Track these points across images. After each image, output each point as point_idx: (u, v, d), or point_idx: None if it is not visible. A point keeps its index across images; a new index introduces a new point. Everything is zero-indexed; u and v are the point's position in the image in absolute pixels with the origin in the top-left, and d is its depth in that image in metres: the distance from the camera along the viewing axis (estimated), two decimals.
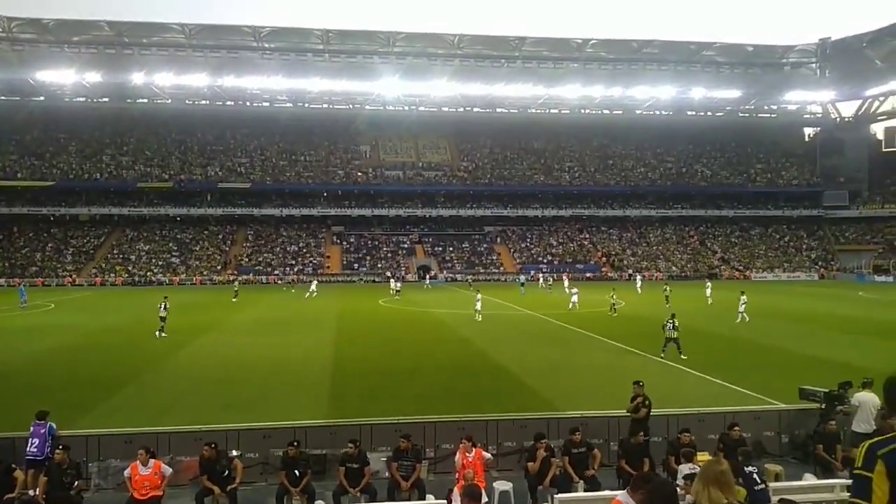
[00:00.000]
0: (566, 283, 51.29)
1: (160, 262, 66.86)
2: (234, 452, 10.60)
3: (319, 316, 33.87)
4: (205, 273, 65.41)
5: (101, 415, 14.19)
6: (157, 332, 26.01)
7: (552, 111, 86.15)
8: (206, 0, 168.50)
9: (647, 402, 11.85)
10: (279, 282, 63.67)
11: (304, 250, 71.86)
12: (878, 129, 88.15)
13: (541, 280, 58.46)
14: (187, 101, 78.26)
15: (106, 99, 77.53)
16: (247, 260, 68.98)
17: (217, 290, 56.67)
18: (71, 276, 63.02)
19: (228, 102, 79.44)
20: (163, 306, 26.79)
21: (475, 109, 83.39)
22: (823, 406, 12.04)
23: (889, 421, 10.88)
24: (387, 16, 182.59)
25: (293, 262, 69.08)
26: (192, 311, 36.42)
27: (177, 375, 18.92)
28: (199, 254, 69.12)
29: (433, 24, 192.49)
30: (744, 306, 30.81)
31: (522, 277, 57.30)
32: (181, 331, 27.15)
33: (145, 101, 78.10)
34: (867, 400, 11.30)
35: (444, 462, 11.28)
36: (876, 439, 3.04)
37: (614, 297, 35.12)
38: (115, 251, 68.45)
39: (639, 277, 58.36)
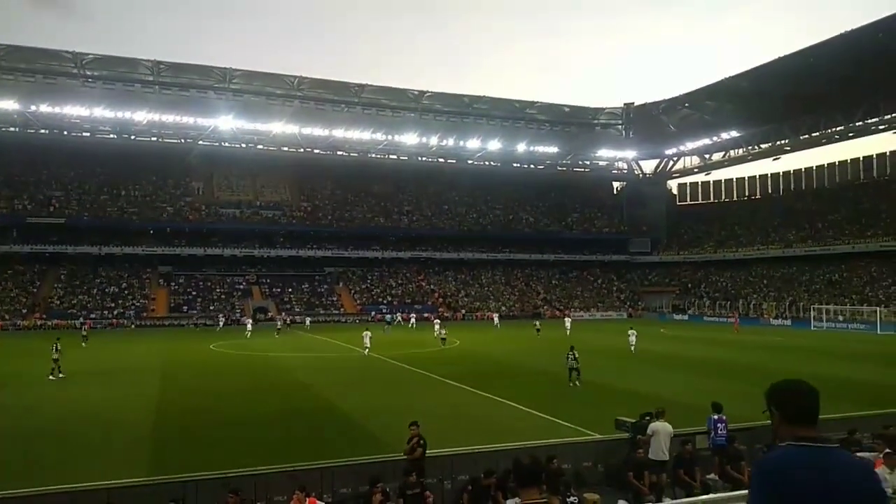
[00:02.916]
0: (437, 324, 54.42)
1: None
2: None
3: (143, 363, 31.91)
4: (7, 317, 58.64)
5: None
6: (49, 375, 26.15)
7: (392, 157, 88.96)
8: (27, 23, 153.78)
9: (422, 443, 11.94)
10: (204, 323, 61.16)
11: (126, 292, 67.00)
12: (673, 185, 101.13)
13: (412, 320, 61.02)
14: None
15: None
16: (58, 302, 62.90)
17: (23, 336, 51.16)
18: None
19: (42, 130, 72.85)
20: (55, 348, 27.21)
21: (316, 151, 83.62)
22: (631, 435, 13.30)
23: (687, 447, 12.79)
24: (224, 53, 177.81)
25: (112, 305, 64.14)
26: None
27: None
28: (2, 296, 61.88)
29: (272, 63, 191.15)
30: (634, 338, 35.86)
31: (389, 316, 60.84)
32: None
33: None
34: (660, 429, 12.56)
35: None
36: None
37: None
38: None
39: (496, 317, 63.90)
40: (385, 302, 73.51)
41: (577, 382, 23.83)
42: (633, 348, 35.72)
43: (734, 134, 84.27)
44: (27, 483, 11.65)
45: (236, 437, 16.48)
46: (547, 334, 48.24)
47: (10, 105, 67.26)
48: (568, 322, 52.10)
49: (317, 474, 11.62)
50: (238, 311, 66.74)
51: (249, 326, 51.93)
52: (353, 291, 75.16)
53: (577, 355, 24.23)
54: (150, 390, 23.61)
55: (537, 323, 53.17)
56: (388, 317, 61.08)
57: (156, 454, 14.85)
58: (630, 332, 37.00)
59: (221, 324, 57.02)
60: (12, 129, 71.80)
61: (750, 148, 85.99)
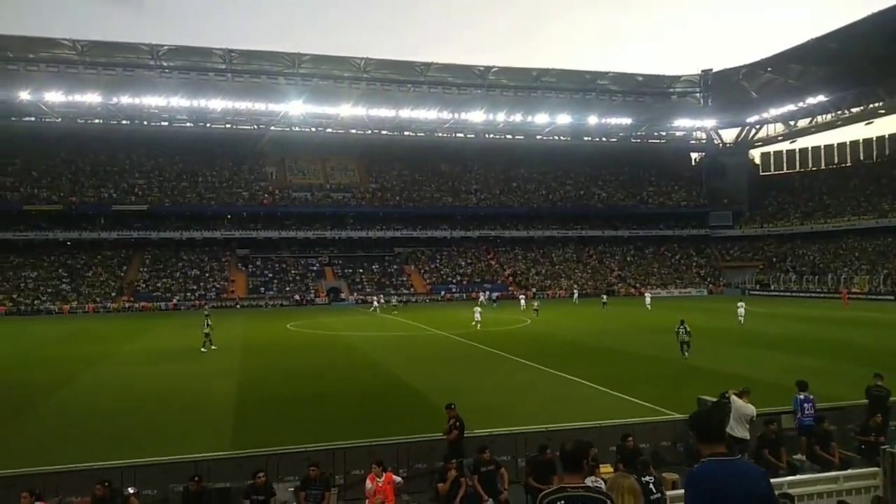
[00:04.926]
0: (523, 300, 54.02)
1: (49, 290, 62.73)
2: (131, 490, 9.92)
3: (224, 343, 32.84)
4: (98, 300, 61.97)
5: None
6: (202, 348, 29.02)
7: (458, 135, 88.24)
8: (102, 19, 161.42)
9: (457, 425, 11.69)
10: (372, 301, 57.94)
11: (207, 274, 69.54)
12: (755, 154, 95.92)
13: (522, 301, 54.35)
14: (79, 120, 74.37)
15: None
16: (144, 286, 65.94)
17: (113, 318, 53.87)
18: None
19: (124, 121, 76.29)
20: (206, 323, 29.98)
21: (383, 132, 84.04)
22: None
23: (771, 427, 11.84)
24: (292, 37, 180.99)
25: (194, 287, 66.69)
26: (82, 340, 34.76)
27: (64, 410, 17.67)
28: (92, 280, 65.45)
29: (339, 46, 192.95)
30: (742, 309, 36.69)
31: (495, 294, 63.24)
32: (68, 362, 25.87)
33: (32, 119, 73.39)
34: (737, 404, 11.81)
35: (354, 488, 11.04)
36: (547, 490, 4.20)
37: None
38: None
39: (575, 293, 65.38)
40: (454, 282, 73.38)
41: (686, 354, 24.10)
42: (741, 320, 35.78)
43: (821, 98, 78.70)
44: (121, 455, 11.96)
45: (315, 413, 16.77)
46: (620, 311, 46.89)
47: (94, 98, 70.66)
48: (648, 298, 51.26)
49: (393, 450, 11.81)
50: (312, 291, 68.21)
51: (376, 303, 55.36)
52: (422, 271, 75.38)
53: (688, 328, 24.48)
54: (231, 368, 24.27)
55: (604, 297, 52.99)
56: (492, 295, 62.97)
57: (238, 429, 15.16)
58: (739, 304, 37.42)
59: (382, 303, 55.96)
60: (97, 120, 75.57)
61: (839, 113, 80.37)
